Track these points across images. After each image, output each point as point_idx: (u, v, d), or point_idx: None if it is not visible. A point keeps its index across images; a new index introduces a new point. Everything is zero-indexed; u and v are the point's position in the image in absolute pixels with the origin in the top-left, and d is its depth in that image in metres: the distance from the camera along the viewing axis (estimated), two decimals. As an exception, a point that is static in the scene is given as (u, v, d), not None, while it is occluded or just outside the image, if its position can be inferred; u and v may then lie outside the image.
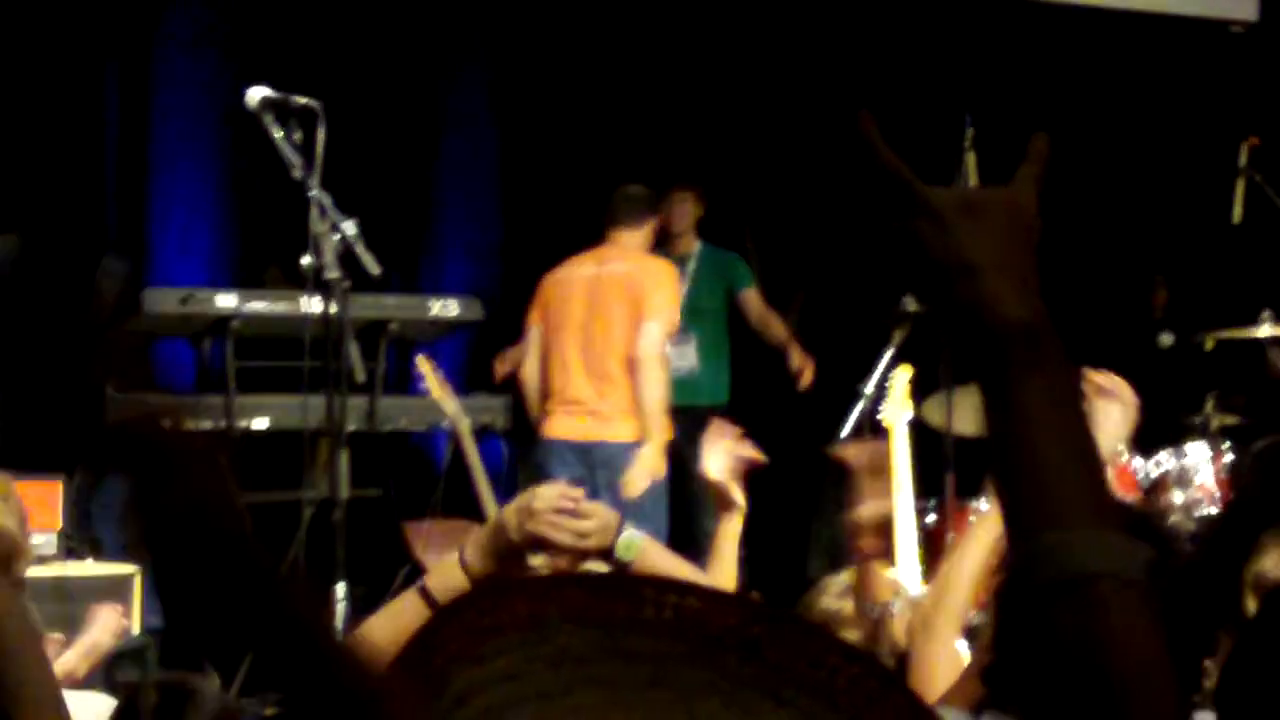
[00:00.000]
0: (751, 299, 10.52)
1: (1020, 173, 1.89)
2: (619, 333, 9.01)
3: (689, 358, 10.16)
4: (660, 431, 8.96)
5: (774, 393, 11.05)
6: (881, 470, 5.70)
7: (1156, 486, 8.94)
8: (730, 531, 5.51)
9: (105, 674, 7.45)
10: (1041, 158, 1.91)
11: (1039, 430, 1.74)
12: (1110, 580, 1.66)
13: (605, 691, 1.53)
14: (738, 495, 5.52)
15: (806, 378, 10.27)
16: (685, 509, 9.47)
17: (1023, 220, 1.84)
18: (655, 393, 8.94)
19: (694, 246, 10.40)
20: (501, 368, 9.51)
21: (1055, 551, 1.68)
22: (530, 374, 9.18)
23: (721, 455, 5.75)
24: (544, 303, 9.17)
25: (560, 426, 9.04)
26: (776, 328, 10.52)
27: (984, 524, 4.25)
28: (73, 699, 3.75)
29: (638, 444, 8.96)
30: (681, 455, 9.35)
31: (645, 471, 8.81)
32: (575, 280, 9.12)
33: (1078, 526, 1.69)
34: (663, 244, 10.06)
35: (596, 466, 9.00)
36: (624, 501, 8.87)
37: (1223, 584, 2.87)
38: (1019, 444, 1.75)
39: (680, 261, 10.10)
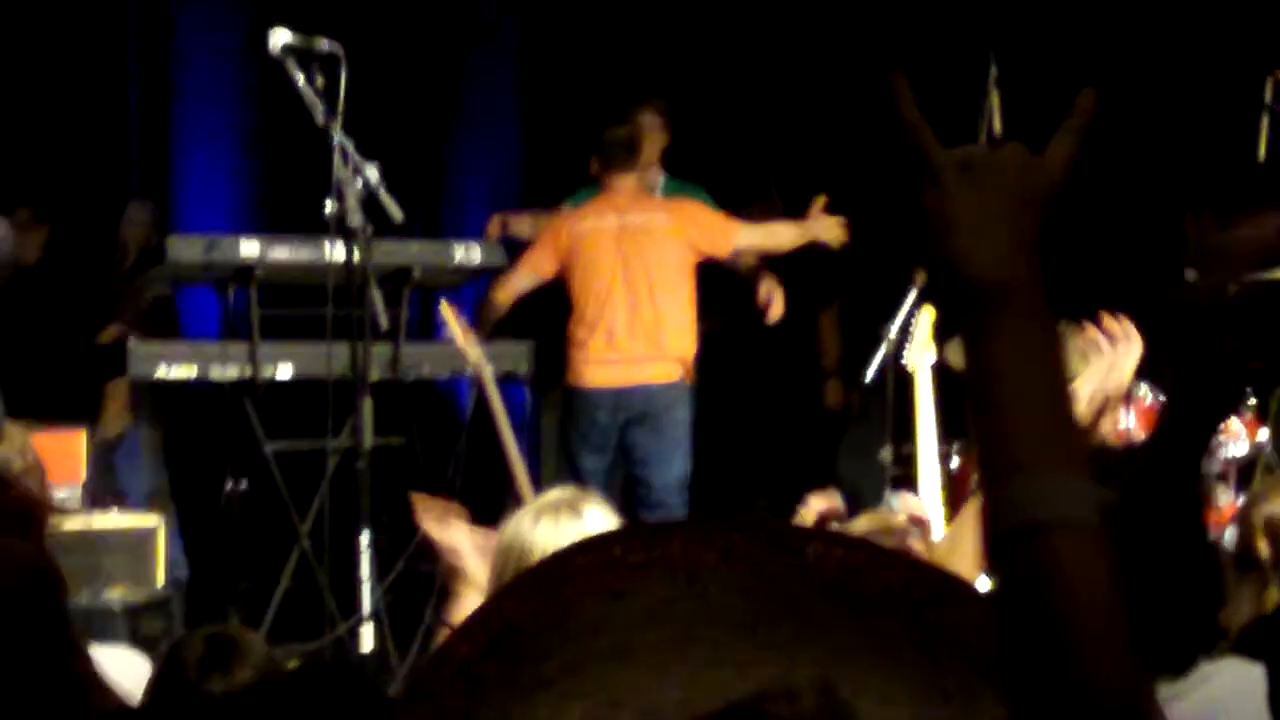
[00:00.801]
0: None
1: (1063, 127, 1.91)
2: (661, 280, 9.03)
3: None
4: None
5: (801, 337, 11.04)
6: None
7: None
8: None
9: (130, 627, 7.45)
10: (1086, 114, 1.93)
11: (1003, 382, 1.76)
12: (1062, 528, 1.65)
13: (754, 637, 1.54)
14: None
15: (776, 309, 9.94)
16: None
17: (1030, 179, 1.88)
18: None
19: (658, 179, 10.02)
20: (494, 229, 9.55)
21: (1012, 501, 1.67)
22: (503, 302, 9.15)
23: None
24: (564, 252, 9.12)
25: (602, 375, 9.04)
26: (745, 257, 10.02)
27: None
28: (104, 655, 3.70)
29: (679, 384, 9.06)
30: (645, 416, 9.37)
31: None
32: (603, 232, 9.06)
33: (1039, 471, 1.69)
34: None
35: (638, 408, 9.05)
36: (667, 438, 8.95)
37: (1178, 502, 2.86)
38: (985, 395, 1.77)
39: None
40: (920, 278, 8.68)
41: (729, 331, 10.43)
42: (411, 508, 4.80)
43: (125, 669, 3.28)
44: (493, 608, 1.56)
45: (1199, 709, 3.18)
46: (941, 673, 1.54)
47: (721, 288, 9.98)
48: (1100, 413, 5.38)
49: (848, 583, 1.55)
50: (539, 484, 7.84)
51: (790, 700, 1.43)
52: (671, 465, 9.06)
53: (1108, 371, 5.36)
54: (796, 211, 11.39)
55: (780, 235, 9.56)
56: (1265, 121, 9.15)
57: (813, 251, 9.97)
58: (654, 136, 9.75)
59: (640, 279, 9.04)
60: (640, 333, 9.06)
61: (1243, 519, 5.31)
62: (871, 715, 1.49)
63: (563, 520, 4.02)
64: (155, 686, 3.19)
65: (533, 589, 1.54)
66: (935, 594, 1.57)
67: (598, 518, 4.07)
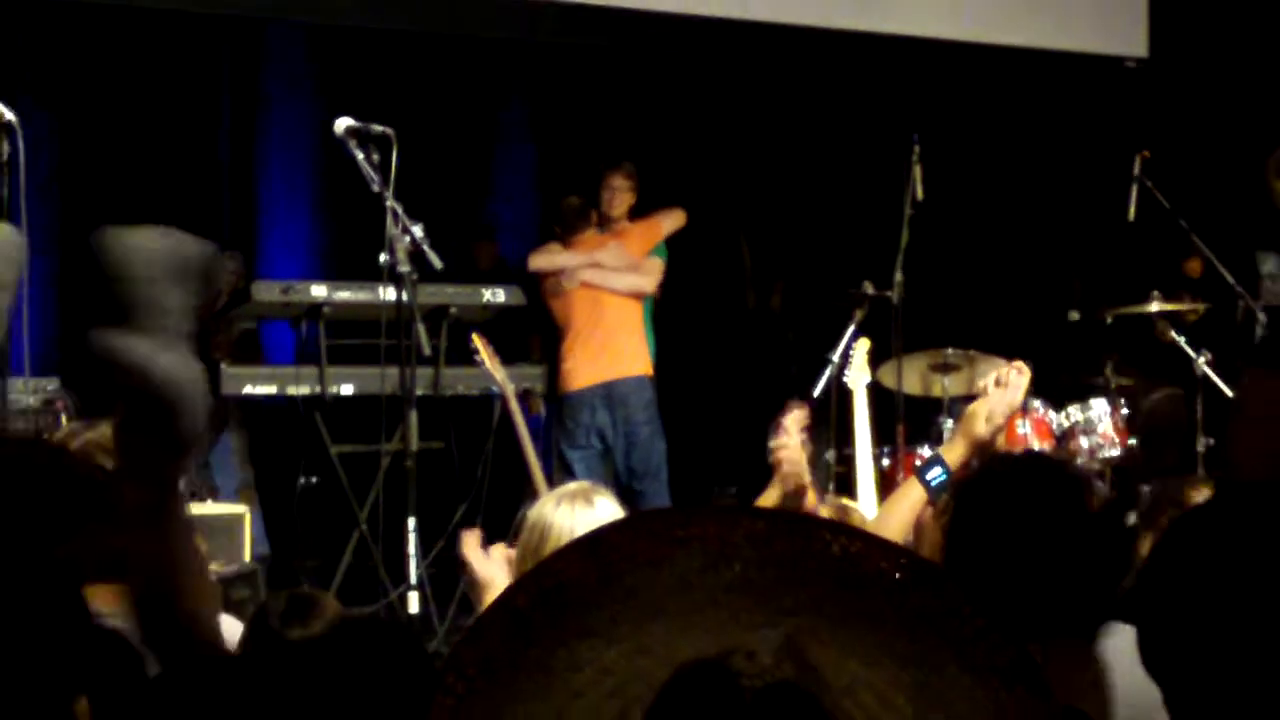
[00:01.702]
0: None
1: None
2: (610, 302, 9.24)
3: None
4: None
5: (765, 361, 11.11)
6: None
7: (1067, 435, 8.97)
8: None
9: (223, 595, 7.50)
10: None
11: None
12: None
13: (764, 606, 1.55)
14: (808, 479, 5.61)
15: None
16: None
17: None
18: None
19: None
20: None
21: None
22: None
23: (798, 444, 5.81)
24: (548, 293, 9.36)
25: (580, 379, 9.17)
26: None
27: (912, 485, 4.34)
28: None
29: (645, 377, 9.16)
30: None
31: None
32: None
33: None
34: (602, 226, 9.61)
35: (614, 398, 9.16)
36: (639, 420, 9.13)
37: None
38: None
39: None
40: (858, 314, 8.75)
41: (699, 336, 10.50)
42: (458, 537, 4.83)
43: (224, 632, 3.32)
44: (546, 567, 1.57)
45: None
46: (917, 642, 1.55)
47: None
48: (998, 430, 5.51)
49: (846, 564, 1.57)
50: (550, 480, 7.92)
51: (749, 658, 1.48)
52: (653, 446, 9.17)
53: (1004, 399, 5.49)
54: (760, 261, 11.53)
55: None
56: (1134, 190, 9.23)
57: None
58: (623, 195, 9.69)
59: (597, 303, 9.18)
60: (601, 343, 9.17)
61: None
62: (858, 673, 1.53)
63: (578, 506, 4.15)
64: (247, 635, 3.27)
65: (582, 553, 1.57)
66: (916, 578, 1.57)
67: (606, 506, 4.20)
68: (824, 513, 5.94)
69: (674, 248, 9.63)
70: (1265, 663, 1.77)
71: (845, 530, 1.59)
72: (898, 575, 1.57)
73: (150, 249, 2.29)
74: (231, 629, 3.51)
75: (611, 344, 9.24)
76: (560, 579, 1.56)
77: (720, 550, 1.56)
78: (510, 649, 1.54)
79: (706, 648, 1.52)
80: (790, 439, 5.92)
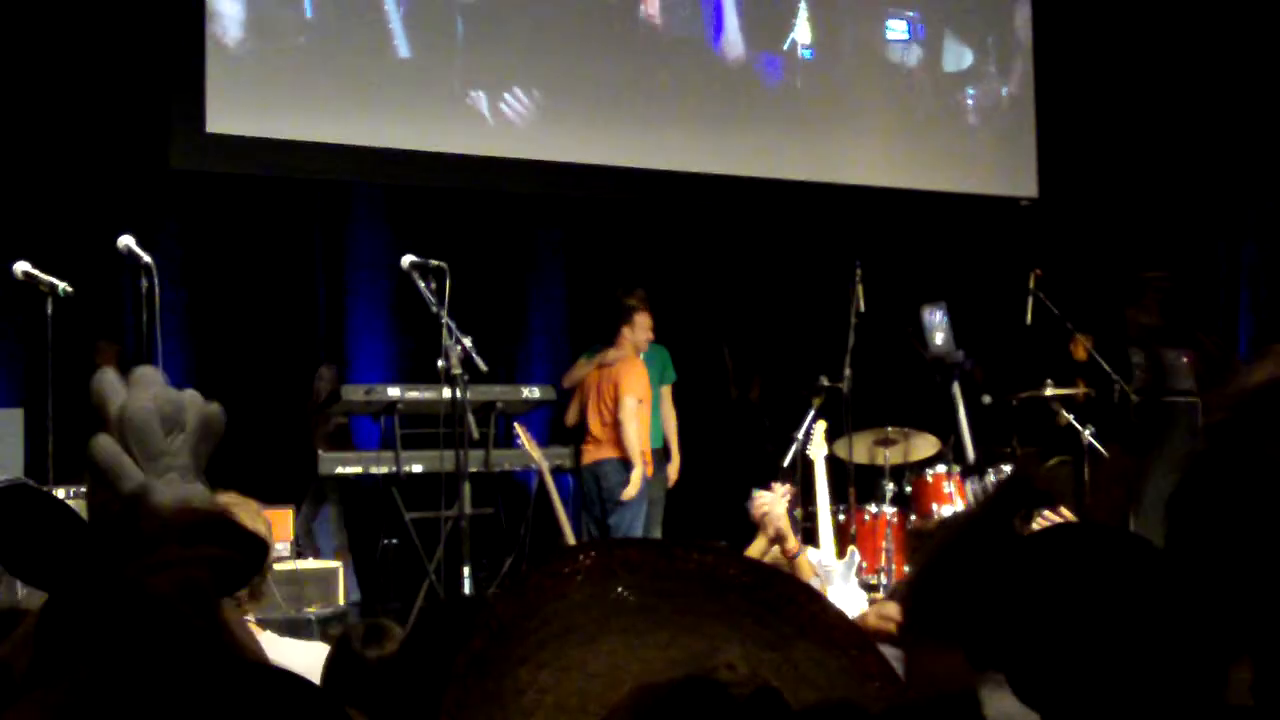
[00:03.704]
0: (666, 393, 9.86)
1: None
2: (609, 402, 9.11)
3: None
4: (637, 458, 9.00)
5: (747, 440, 11.05)
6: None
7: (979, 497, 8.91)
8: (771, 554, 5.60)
9: (321, 631, 7.43)
10: None
11: None
12: None
13: (649, 616, 1.54)
14: (786, 527, 5.57)
15: (672, 479, 9.75)
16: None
17: None
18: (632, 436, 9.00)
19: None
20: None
21: None
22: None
23: (782, 505, 5.77)
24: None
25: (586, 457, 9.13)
26: (671, 428, 9.81)
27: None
28: (305, 647, 3.74)
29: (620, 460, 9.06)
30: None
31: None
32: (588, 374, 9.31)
33: None
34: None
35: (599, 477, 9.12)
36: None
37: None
38: None
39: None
40: (816, 402, 8.71)
41: (695, 422, 10.44)
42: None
43: (319, 656, 3.29)
44: (490, 612, 1.56)
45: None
46: (769, 628, 1.55)
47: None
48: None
49: (705, 575, 1.56)
50: (579, 538, 7.87)
51: (730, 668, 1.44)
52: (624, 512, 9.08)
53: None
54: (740, 362, 11.46)
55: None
56: (1030, 300, 9.20)
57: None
58: (644, 323, 9.79)
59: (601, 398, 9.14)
60: (601, 430, 9.11)
61: None
62: (732, 657, 1.50)
63: None
64: (332, 656, 3.21)
65: (514, 595, 1.56)
66: (761, 580, 1.57)
67: None
68: (802, 556, 5.88)
69: (675, 357, 9.70)
70: (1115, 679, 1.67)
71: (697, 546, 1.60)
72: (745, 579, 1.59)
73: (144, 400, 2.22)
74: (323, 652, 3.46)
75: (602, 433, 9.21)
76: (500, 618, 1.54)
77: (603, 576, 1.56)
78: (474, 684, 1.50)
79: (617, 660, 1.51)
80: (776, 501, 5.87)
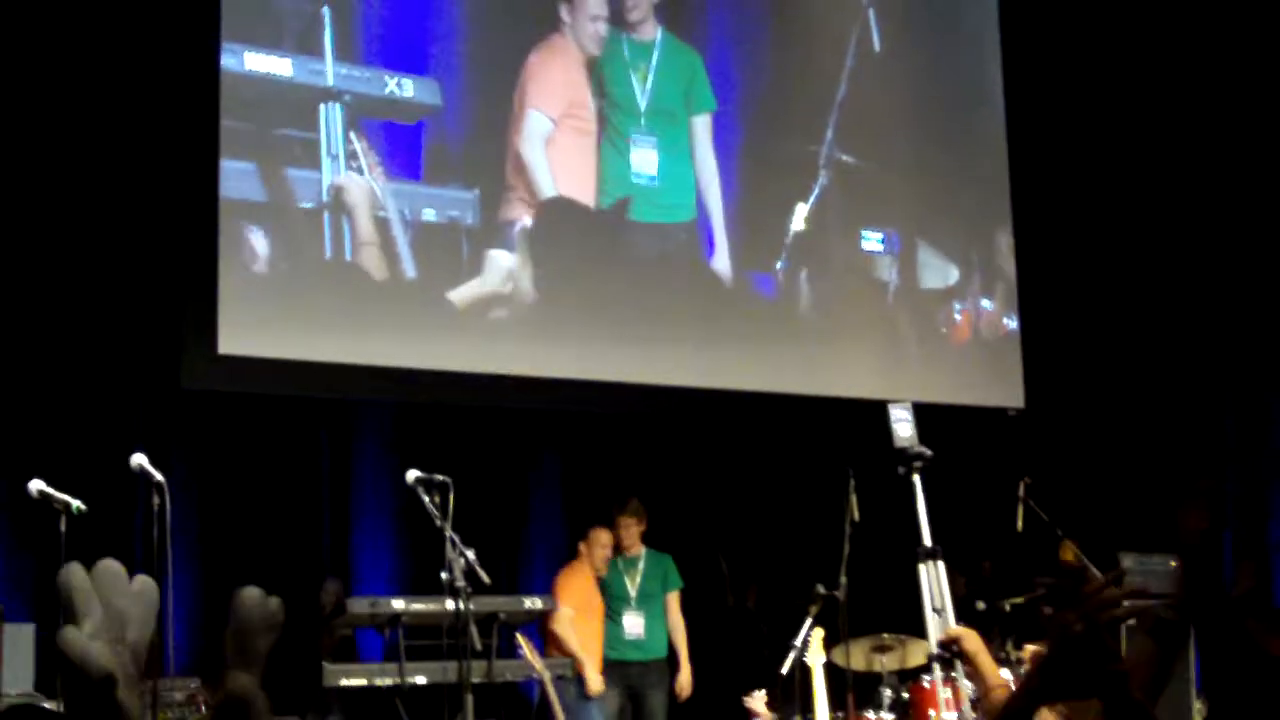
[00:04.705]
0: (674, 600, 10.08)
1: None
2: None
3: (639, 627, 10.02)
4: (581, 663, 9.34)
5: (744, 648, 11.01)
6: None
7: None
8: None
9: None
10: None
11: None
12: None
13: None
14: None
15: (685, 692, 9.94)
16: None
17: None
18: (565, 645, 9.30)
19: (641, 550, 10.12)
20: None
21: None
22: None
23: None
24: None
25: None
26: (680, 637, 10.02)
27: None
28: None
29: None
30: (639, 689, 9.41)
31: None
32: None
33: None
34: (617, 550, 10.01)
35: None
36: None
37: None
38: None
39: (631, 562, 10.06)
40: (813, 610, 8.74)
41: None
42: None
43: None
44: None
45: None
46: None
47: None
48: None
49: None
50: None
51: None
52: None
53: None
54: (736, 571, 11.48)
55: None
56: (1020, 508, 9.29)
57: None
58: (632, 531, 9.98)
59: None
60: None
61: None
62: None
63: None
64: None
65: None
66: None
67: None
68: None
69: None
70: None
71: None
72: None
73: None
74: None
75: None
76: None
77: None
78: None
79: None
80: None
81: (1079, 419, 12.12)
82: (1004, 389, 12.04)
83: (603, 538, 9.91)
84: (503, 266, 10.43)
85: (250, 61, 9.73)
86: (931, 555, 5.67)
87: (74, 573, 2.30)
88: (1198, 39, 12.46)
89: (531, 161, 10.60)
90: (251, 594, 2.38)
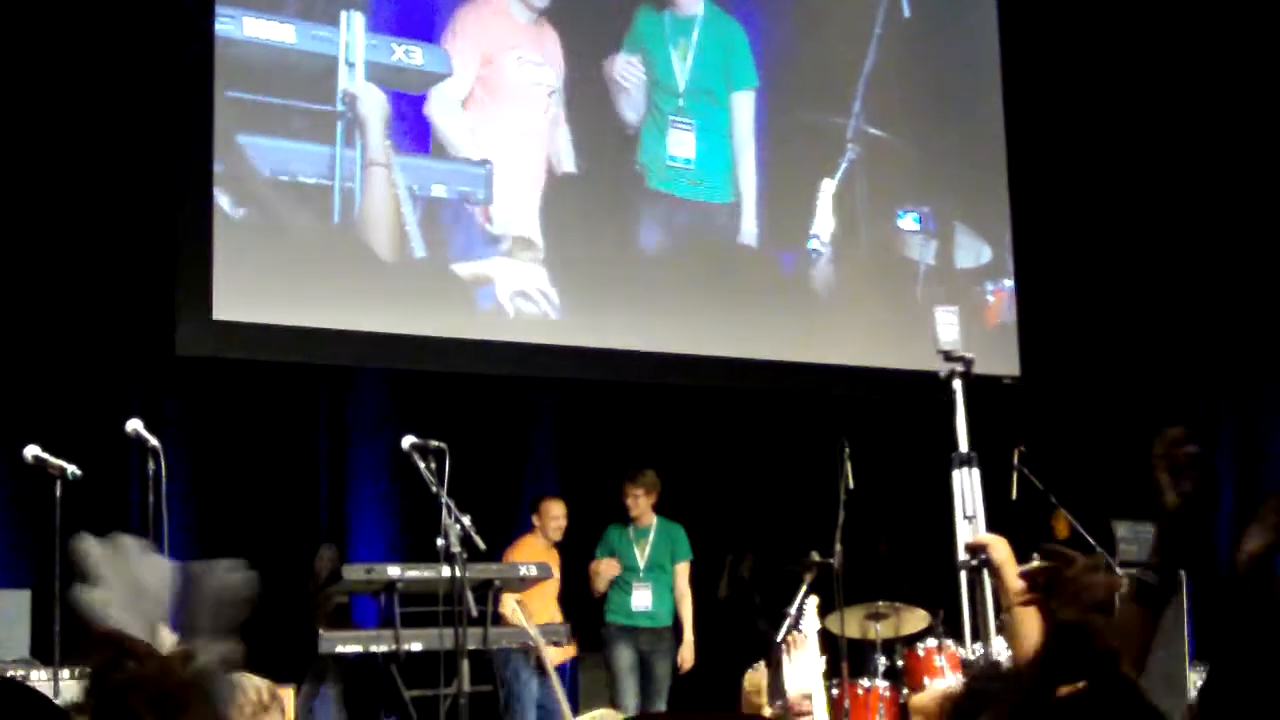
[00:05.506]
0: (682, 570, 10.08)
1: None
2: None
3: (647, 600, 10.00)
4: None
5: (739, 618, 11.00)
6: None
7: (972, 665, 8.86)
8: None
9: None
10: None
11: None
12: None
13: None
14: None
15: (686, 664, 9.94)
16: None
17: None
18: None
19: (653, 520, 10.11)
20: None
21: None
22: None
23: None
24: None
25: None
26: (686, 608, 10.04)
27: None
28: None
29: None
30: (648, 656, 9.37)
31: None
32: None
33: None
34: (628, 520, 10.02)
35: None
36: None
37: None
38: None
39: (643, 532, 10.04)
40: (808, 577, 8.70)
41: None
42: None
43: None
44: None
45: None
46: None
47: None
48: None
49: None
50: (576, 708, 7.81)
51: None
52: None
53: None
54: (735, 545, 11.43)
55: None
56: (1014, 476, 9.25)
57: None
58: (642, 499, 9.93)
59: None
60: None
61: None
62: None
63: None
64: None
65: None
66: None
67: None
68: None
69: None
70: None
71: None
72: None
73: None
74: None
75: None
76: None
77: None
78: None
79: None
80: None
81: (1074, 388, 12.08)
82: (1001, 358, 11.99)
83: (553, 509, 9.91)
84: (507, 237, 10.36)
85: (250, 27, 9.61)
86: (966, 462, 5.54)
87: (92, 544, 2.28)
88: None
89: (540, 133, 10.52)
90: (222, 565, 2.34)
